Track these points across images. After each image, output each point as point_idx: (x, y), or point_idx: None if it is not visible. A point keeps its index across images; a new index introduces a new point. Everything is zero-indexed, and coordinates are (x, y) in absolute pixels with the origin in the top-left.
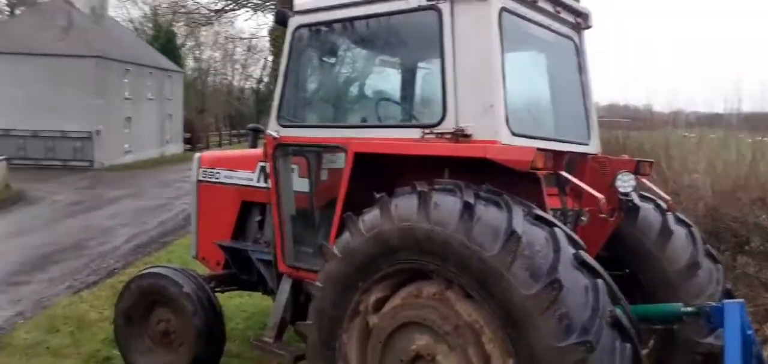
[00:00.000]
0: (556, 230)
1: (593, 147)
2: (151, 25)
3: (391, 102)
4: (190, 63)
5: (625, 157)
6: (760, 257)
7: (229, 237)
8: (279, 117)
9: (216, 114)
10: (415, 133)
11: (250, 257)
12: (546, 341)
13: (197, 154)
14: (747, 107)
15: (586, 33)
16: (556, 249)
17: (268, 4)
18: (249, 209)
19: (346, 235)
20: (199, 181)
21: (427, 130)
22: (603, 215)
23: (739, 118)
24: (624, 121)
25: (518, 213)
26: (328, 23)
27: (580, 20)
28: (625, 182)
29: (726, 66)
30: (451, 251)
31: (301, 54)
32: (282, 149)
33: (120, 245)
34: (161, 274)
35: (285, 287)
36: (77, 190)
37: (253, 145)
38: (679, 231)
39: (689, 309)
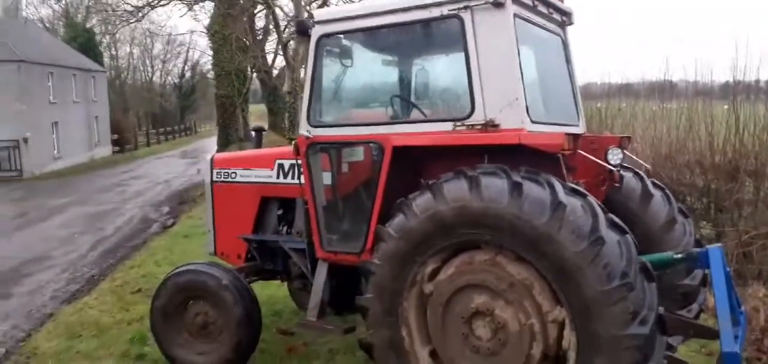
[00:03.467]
0: (589, 198)
1: (581, 128)
2: (61, 23)
3: (421, 100)
4: (105, 61)
5: (609, 134)
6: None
7: (250, 231)
8: (309, 119)
9: (137, 112)
10: (446, 127)
11: (275, 247)
12: (595, 287)
13: (209, 156)
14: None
15: (569, 28)
16: (594, 214)
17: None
18: (268, 204)
19: (401, 217)
20: (214, 181)
21: (458, 123)
22: (603, 187)
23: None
24: None
25: (559, 187)
26: (351, 32)
27: (565, 18)
28: (615, 156)
29: None
30: (505, 223)
31: (327, 61)
32: (314, 147)
33: (86, 252)
34: (198, 270)
35: (322, 271)
36: (14, 202)
37: (258, 145)
38: (657, 193)
39: (680, 255)
